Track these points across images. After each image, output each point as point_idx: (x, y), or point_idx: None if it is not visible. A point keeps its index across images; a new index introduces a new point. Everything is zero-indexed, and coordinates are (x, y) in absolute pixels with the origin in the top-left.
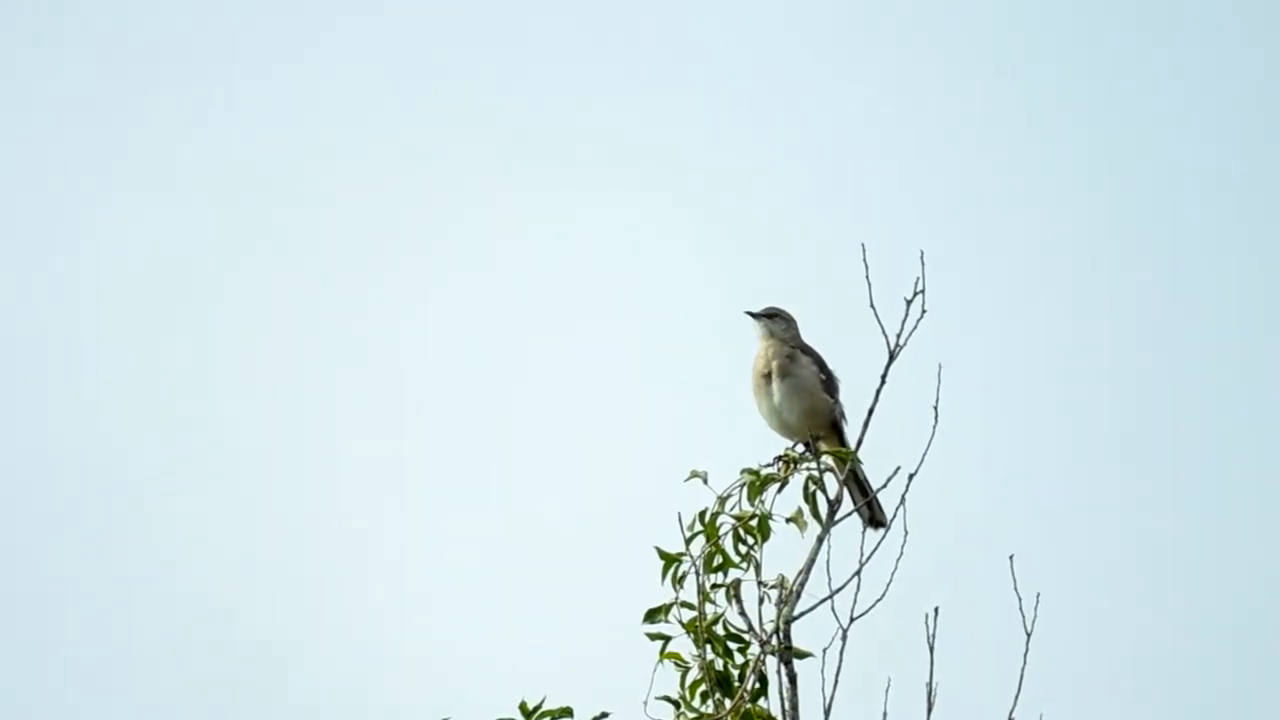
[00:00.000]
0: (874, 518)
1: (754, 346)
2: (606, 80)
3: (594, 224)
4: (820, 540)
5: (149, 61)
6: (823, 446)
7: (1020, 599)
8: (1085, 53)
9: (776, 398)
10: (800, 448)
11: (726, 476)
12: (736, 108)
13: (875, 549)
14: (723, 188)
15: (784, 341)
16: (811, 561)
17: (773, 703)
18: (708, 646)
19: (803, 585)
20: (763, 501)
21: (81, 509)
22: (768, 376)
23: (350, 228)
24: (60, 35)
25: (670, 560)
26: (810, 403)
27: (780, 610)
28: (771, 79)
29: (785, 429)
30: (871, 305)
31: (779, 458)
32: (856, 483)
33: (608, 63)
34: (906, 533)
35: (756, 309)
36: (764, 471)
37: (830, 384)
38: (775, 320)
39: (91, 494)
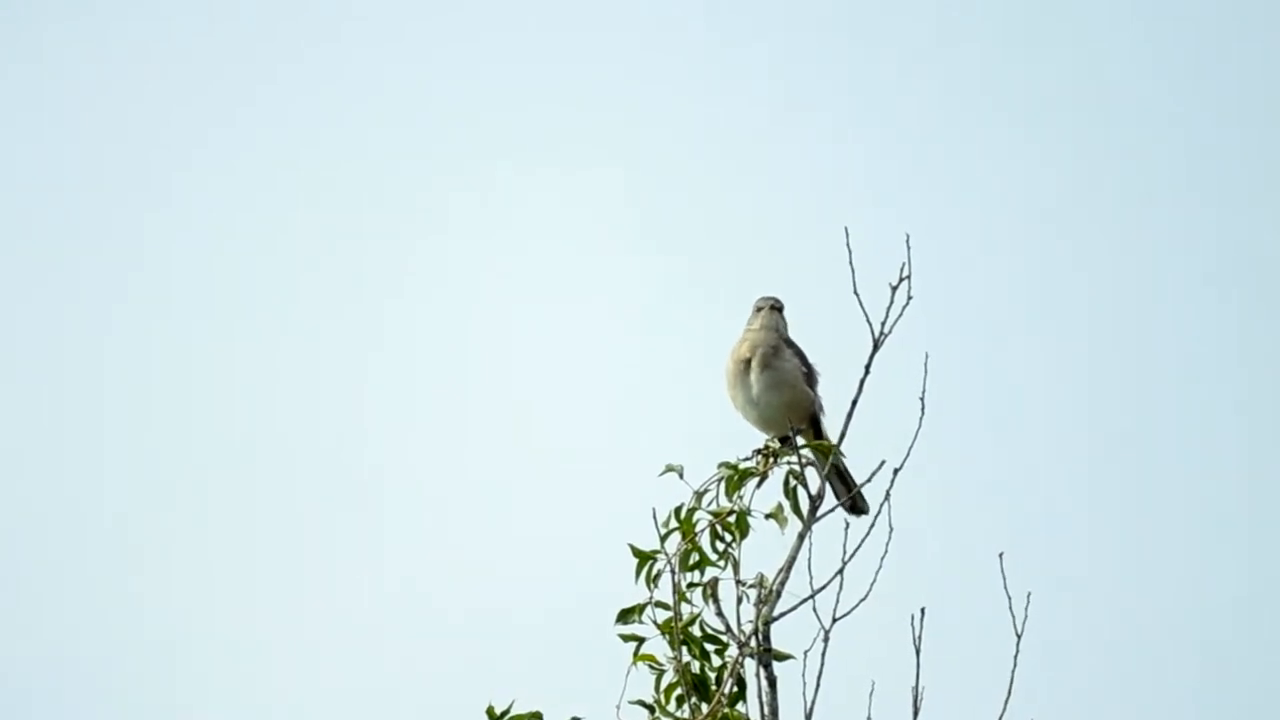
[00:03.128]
0: (854, 505)
1: (737, 333)
2: (581, 67)
3: (565, 213)
4: (801, 537)
5: (156, 62)
6: (802, 440)
7: (1010, 598)
8: (1077, 33)
9: (755, 390)
10: (777, 442)
11: (703, 471)
12: (714, 88)
13: (859, 547)
14: (703, 172)
15: (776, 333)
16: (792, 559)
17: (751, 707)
18: (684, 648)
19: (783, 584)
20: (741, 497)
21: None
22: (747, 364)
23: (299, 233)
24: (60, 37)
25: (644, 558)
26: (792, 396)
27: (759, 610)
28: (750, 57)
29: (762, 422)
30: (855, 291)
31: (758, 451)
32: (837, 474)
33: (584, 51)
34: (891, 530)
35: (774, 299)
36: (742, 466)
37: (811, 377)
38: (781, 314)
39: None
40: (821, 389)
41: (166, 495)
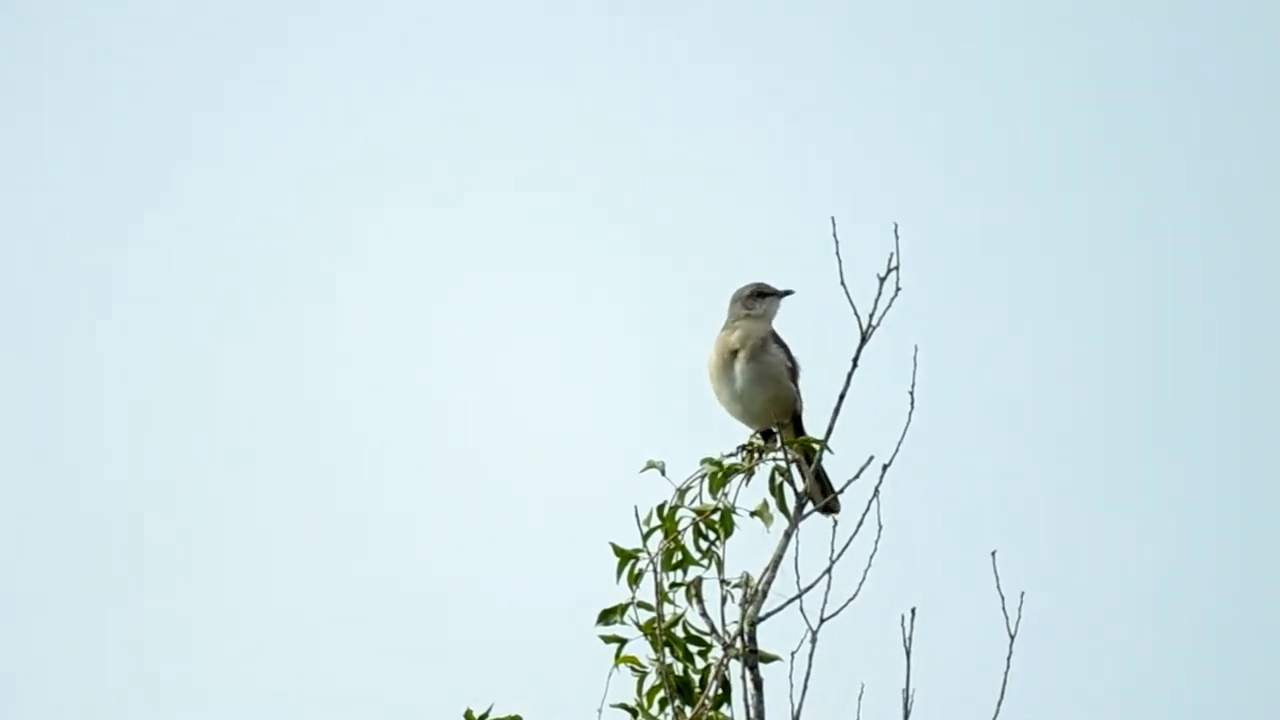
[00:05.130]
0: (827, 505)
1: (723, 322)
2: (569, 64)
3: (553, 207)
4: (787, 535)
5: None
6: (788, 436)
7: (1003, 598)
8: (1067, 23)
9: (739, 383)
10: (761, 438)
11: (686, 467)
12: (700, 77)
13: (847, 545)
14: (687, 162)
15: (768, 324)
16: (778, 558)
17: (736, 710)
18: (666, 650)
19: (769, 584)
20: (725, 494)
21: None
22: (733, 355)
23: (265, 242)
24: (34, 39)
25: (626, 557)
26: (775, 391)
27: (745, 611)
28: (736, 48)
29: (747, 416)
30: (842, 282)
31: (743, 447)
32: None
33: (572, 47)
34: (880, 527)
35: (777, 287)
36: (726, 462)
37: (794, 372)
38: (775, 302)
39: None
40: (808, 383)
41: (161, 495)
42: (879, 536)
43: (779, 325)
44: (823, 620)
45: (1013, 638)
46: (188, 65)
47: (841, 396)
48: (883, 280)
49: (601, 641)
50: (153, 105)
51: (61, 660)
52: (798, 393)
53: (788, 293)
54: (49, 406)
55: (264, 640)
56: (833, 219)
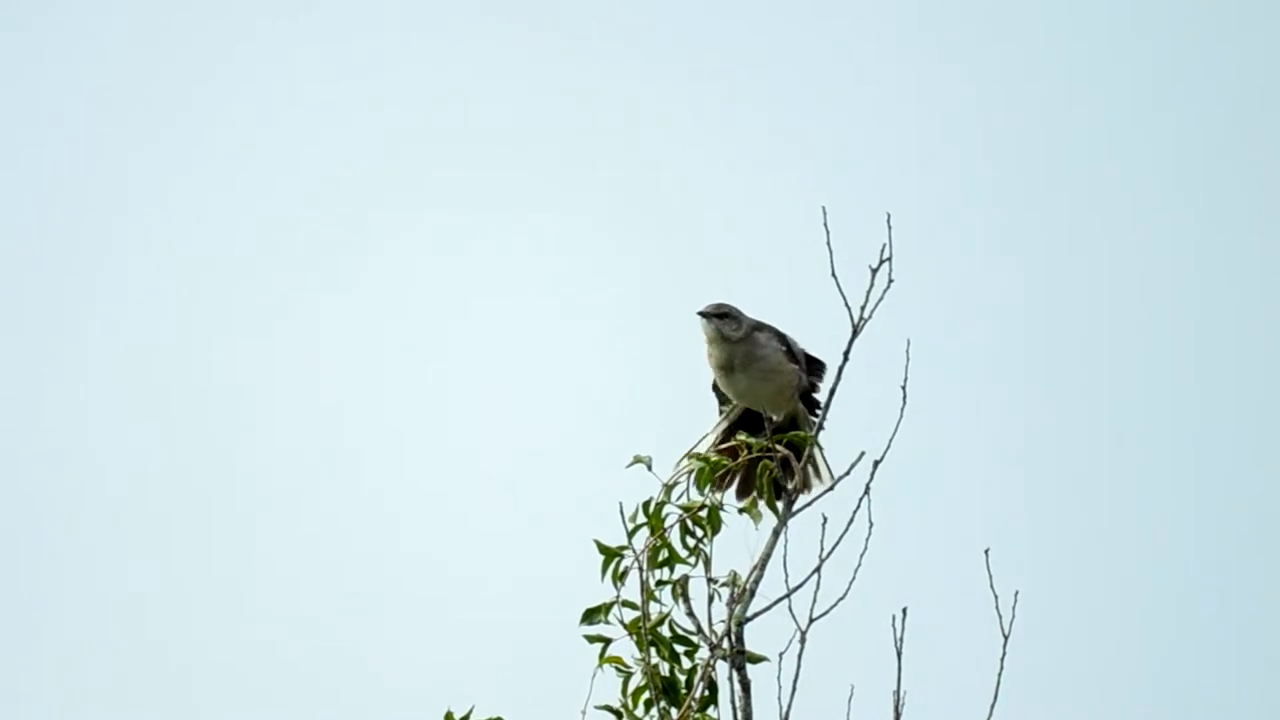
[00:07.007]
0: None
1: (704, 340)
2: (557, 61)
3: (534, 202)
4: (777, 533)
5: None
6: (778, 423)
7: (996, 597)
8: (1059, 18)
9: (743, 384)
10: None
11: (673, 463)
12: (689, 69)
13: (837, 543)
14: (672, 147)
15: (738, 336)
16: (767, 556)
17: (723, 711)
18: (652, 650)
19: (757, 583)
20: (713, 490)
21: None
22: (729, 369)
23: (262, 263)
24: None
25: (611, 555)
26: (778, 384)
27: (732, 610)
28: (725, 35)
29: (755, 406)
30: (833, 274)
31: (729, 435)
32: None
33: (557, 44)
34: (871, 525)
35: (707, 308)
36: (713, 457)
37: (792, 352)
38: (726, 321)
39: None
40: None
41: (156, 498)
42: (870, 535)
43: (769, 318)
44: (812, 620)
45: (1006, 638)
46: (186, 69)
47: (832, 391)
48: (875, 272)
49: (585, 641)
50: (150, 107)
51: (55, 660)
52: (800, 372)
53: (717, 313)
54: (48, 407)
55: (258, 640)
56: (824, 209)
